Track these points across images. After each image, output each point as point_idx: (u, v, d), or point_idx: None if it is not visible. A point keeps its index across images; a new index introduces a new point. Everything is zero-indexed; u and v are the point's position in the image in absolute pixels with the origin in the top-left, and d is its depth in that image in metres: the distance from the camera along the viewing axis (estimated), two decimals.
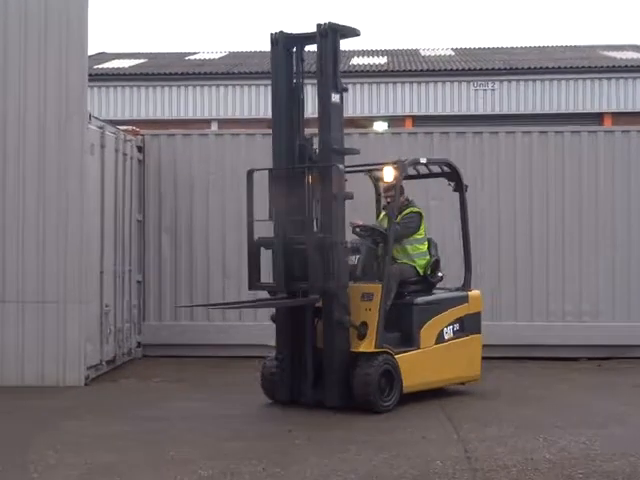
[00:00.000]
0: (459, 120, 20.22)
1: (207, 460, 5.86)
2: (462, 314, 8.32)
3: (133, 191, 10.71)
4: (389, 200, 8.19)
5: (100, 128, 9.60)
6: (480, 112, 21.38)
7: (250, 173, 7.80)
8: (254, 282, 7.64)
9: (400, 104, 21.78)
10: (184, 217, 11.05)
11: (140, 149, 11.01)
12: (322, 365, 7.47)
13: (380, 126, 20.32)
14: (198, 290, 10.95)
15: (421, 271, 8.15)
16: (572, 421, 7.13)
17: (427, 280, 8.20)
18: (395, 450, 6.11)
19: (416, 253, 8.13)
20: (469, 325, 8.37)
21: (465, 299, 8.43)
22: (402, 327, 7.79)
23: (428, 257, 8.22)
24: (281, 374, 7.64)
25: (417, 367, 7.75)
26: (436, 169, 8.66)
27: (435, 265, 8.22)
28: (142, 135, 11.09)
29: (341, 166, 7.45)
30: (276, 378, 7.68)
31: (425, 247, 8.23)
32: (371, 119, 21.07)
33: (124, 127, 10.79)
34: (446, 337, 8.10)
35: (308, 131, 7.84)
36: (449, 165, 8.57)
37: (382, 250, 7.99)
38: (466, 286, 8.60)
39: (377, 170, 8.34)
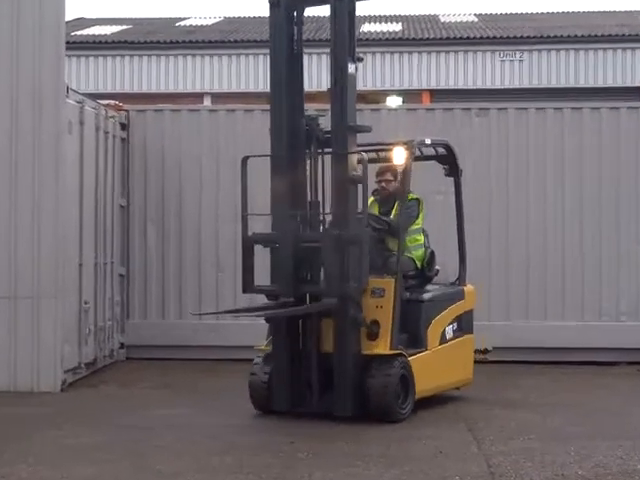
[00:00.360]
0: (482, 95, 20.16)
1: (198, 474, 5.89)
2: (460, 312, 8.45)
3: (116, 174, 10.73)
4: (383, 185, 8.21)
5: (79, 103, 9.61)
6: (506, 86, 21.35)
7: (245, 160, 7.80)
8: (250, 284, 7.64)
9: (416, 77, 21.76)
10: (173, 203, 11.06)
11: (124, 127, 11.02)
12: (329, 370, 7.48)
13: (394, 101, 20.31)
14: (188, 285, 11.00)
15: (419, 264, 8.23)
16: (608, 432, 7.15)
17: (424, 274, 8.27)
18: (408, 465, 6.13)
19: (413, 245, 8.19)
20: (465, 324, 8.52)
21: (462, 295, 8.55)
22: (408, 326, 7.83)
23: (424, 249, 8.29)
24: (279, 380, 7.62)
25: (426, 370, 7.83)
26: (428, 151, 8.68)
27: (431, 257, 8.28)
28: (126, 111, 11.09)
29: (364, 154, 7.49)
30: (273, 385, 7.66)
31: (422, 238, 8.31)
32: (384, 93, 21.06)
33: (106, 102, 10.79)
34: (447, 337, 8.23)
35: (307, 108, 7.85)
36: (446, 147, 8.58)
37: (390, 242, 8.04)
38: (461, 281, 8.69)
39: (374, 151, 8.30)
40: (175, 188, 11.07)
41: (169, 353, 10.79)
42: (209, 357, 10.66)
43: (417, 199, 8.21)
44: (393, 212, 8.11)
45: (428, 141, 8.34)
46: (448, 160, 8.66)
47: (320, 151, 7.67)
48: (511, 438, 6.97)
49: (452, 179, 8.77)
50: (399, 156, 7.93)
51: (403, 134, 8.54)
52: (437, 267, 8.41)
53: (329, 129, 7.58)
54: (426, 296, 8.06)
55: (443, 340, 8.14)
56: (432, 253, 8.29)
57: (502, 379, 9.67)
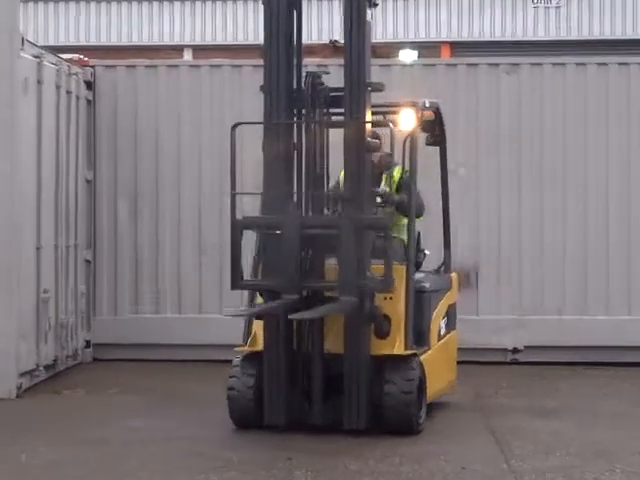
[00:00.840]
0: (512, 48, 20.08)
1: None
2: (450, 303, 8.57)
3: (80, 142, 10.70)
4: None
5: (36, 57, 9.56)
6: (541, 37, 21.26)
7: (234, 128, 7.68)
8: (239, 279, 7.54)
9: (434, 27, 21.65)
10: (147, 176, 11.04)
11: (89, 85, 10.97)
12: (333, 375, 7.42)
13: (408, 56, 20.23)
14: (166, 271, 11.00)
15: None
16: None
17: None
18: None
19: (402, 224, 8.18)
20: (452, 318, 8.61)
21: (450, 284, 8.64)
22: None
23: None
24: (272, 389, 7.51)
25: (434, 372, 7.88)
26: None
27: (419, 240, 8.27)
28: (92, 67, 11.05)
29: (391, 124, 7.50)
30: (265, 394, 7.52)
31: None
32: (396, 46, 20.97)
33: (68, 56, 10.72)
34: (442, 333, 8.33)
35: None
36: (437, 110, 8.51)
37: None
38: (446, 267, 8.75)
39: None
40: (150, 159, 11.04)
41: (144, 353, 10.79)
42: (191, 358, 10.66)
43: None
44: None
45: (427, 103, 8.24)
46: (434, 126, 8.58)
47: (325, 115, 7.58)
48: (546, 453, 6.96)
49: (438, 149, 8.73)
50: (408, 120, 7.82)
51: (418, 95, 8.43)
52: (427, 251, 8.38)
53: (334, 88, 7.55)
54: (429, 286, 8.06)
55: (439, 337, 8.24)
56: (419, 235, 8.27)
57: (535, 383, 9.69)
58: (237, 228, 7.58)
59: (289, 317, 7.22)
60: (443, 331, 8.33)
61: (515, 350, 10.63)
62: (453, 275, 8.77)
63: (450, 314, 8.54)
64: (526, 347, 10.64)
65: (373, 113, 7.66)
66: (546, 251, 10.80)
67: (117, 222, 11.05)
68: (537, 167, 10.79)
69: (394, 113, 7.96)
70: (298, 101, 7.60)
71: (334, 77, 7.75)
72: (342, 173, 7.75)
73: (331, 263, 7.51)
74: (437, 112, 8.54)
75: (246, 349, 7.75)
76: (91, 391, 9.36)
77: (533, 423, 8.02)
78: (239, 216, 7.66)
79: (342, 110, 7.52)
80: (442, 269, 8.75)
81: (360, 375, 7.37)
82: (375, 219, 7.42)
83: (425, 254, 8.35)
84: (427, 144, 8.66)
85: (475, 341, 10.42)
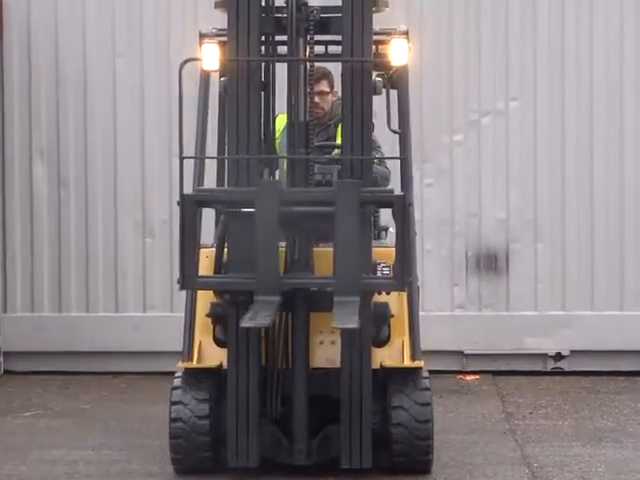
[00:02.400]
0: None
1: None
2: None
3: None
4: (316, 99, 7.83)
5: None
6: None
7: (183, 66, 7.45)
8: (194, 275, 7.22)
9: None
10: (72, 131, 11.05)
11: None
12: (321, 398, 7.36)
13: None
14: (99, 258, 11.02)
15: None
16: None
17: None
18: None
19: None
20: None
21: None
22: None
23: None
24: (239, 418, 7.38)
25: None
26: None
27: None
28: None
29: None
30: (227, 427, 7.29)
31: None
32: None
33: None
34: None
35: None
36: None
37: None
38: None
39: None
40: (78, 107, 11.05)
41: (70, 364, 10.86)
42: (131, 369, 10.72)
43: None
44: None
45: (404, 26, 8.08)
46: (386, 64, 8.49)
47: (310, 43, 7.45)
48: None
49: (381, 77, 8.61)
50: (400, 52, 7.70)
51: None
52: (391, 229, 8.34)
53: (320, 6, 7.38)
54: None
55: None
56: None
57: (584, 399, 9.74)
58: (189, 206, 7.29)
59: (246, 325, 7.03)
60: None
61: (559, 356, 10.67)
62: None
63: None
64: (573, 352, 10.68)
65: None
66: (599, 226, 10.85)
67: (32, 192, 11.03)
68: (587, 116, 10.83)
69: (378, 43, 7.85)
70: (275, 25, 7.47)
71: None
72: (282, 118, 7.64)
73: (322, 248, 7.38)
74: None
75: (193, 365, 7.57)
76: (2, 412, 9.37)
77: (581, 451, 8.03)
78: (191, 189, 7.44)
79: (334, 39, 7.47)
80: None
81: (362, 397, 7.30)
82: (387, 193, 7.25)
83: (390, 232, 8.23)
84: (382, 87, 8.39)
85: (505, 345, 10.47)
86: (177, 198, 7.15)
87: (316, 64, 7.45)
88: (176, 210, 10.06)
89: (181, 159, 7.16)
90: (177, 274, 7.09)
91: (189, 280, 7.15)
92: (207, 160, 7.97)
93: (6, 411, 9.44)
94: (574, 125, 10.80)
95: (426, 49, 9.85)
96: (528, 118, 10.77)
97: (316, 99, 7.81)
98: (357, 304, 6.91)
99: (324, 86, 8.10)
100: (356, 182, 7.09)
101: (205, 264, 7.33)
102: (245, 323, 6.76)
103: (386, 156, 7.99)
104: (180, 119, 7.17)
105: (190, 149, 7.69)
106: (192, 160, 7.69)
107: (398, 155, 7.63)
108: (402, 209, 7.04)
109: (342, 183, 7.12)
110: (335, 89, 8.09)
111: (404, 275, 7.05)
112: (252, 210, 7.08)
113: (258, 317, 6.81)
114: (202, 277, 7.25)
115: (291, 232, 7.28)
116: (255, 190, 7.09)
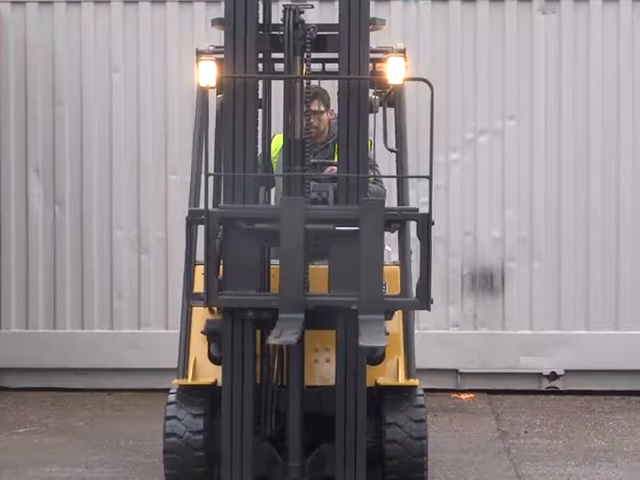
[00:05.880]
0: None
1: None
2: None
3: None
4: (310, 120, 7.90)
5: None
6: None
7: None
8: (215, 291, 7.17)
9: None
10: (68, 148, 11.06)
11: None
12: (316, 417, 7.33)
13: None
14: (94, 273, 11.01)
15: None
16: None
17: None
18: None
19: None
20: None
21: None
22: None
23: None
24: (234, 434, 7.37)
25: None
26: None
27: None
28: None
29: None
30: (222, 445, 7.31)
31: None
32: None
33: None
34: None
35: None
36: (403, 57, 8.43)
37: None
38: None
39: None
40: (74, 122, 11.05)
41: (65, 380, 10.85)
42: (125, 386, 10.71)
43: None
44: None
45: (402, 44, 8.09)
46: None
47: (306, 60, 7.45)
48: None
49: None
50: (396, 71, 7.72)
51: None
52: (387, 247, 8.34)
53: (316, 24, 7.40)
54: None
55: None
56: None
57: (579, 419, 9.74)
58: (214, 222, 7.17)
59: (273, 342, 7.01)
60: None
61: (554, 375, 10.67)
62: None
63: None
64: (568, 371, 10.69)
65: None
66: (595, 245, 10.87)
67: (28, 206, 11.05)
68: (583, 135, 10.84)
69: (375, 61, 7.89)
70: (272, 42, 7.49)
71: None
72: (279, 138, 7.66)
73: (316, 266, 7.35)
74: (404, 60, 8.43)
75: (188, 382, 7.56)
76: None
77: (576, 470, 8.03)
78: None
79: (330, 56, 7.48)
80: None
81: (357, 415, 7.27)
82: (410, 210, 7.27)
83: (387, 250, 8.23)
84: (380, 105, 8.43)
85: (500, 363, 10.46)
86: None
87: (309, 83, 7.45)
88: (172, 227, 10.23)
89: (206, 175, 7.14)
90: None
91: (212, 296, 7.16)
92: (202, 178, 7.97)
93: (0, 428, 9.43)
94: (571, 144, 10.81)
95: (422, 67, 9.87)
96: (524, 137, 10.79)
97: (310, 119, 7.83)
98: (382, 322, 6.89)
99: (316, 105, 8.09)
100: (380, 200, 7.14)
101: (202, 281, 7.33)
102: (272, 340, 6.70)
103: (410, 175, 8.02)
104: (202, 135, 7.40)
105: (186, 166, 7.71)
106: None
107: (421, 174, 7.65)
108: (427, 227, 7.06)
109: (367, 201, 7.08)
110: (332, 107, 8.13)
111: (428, 295, 7.04)
112: (252, 227, 7.09)
113: (284, 335, 6.74)
114: (224, 294, 7.17)
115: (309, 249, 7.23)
116: (280, 207, 7.11)
